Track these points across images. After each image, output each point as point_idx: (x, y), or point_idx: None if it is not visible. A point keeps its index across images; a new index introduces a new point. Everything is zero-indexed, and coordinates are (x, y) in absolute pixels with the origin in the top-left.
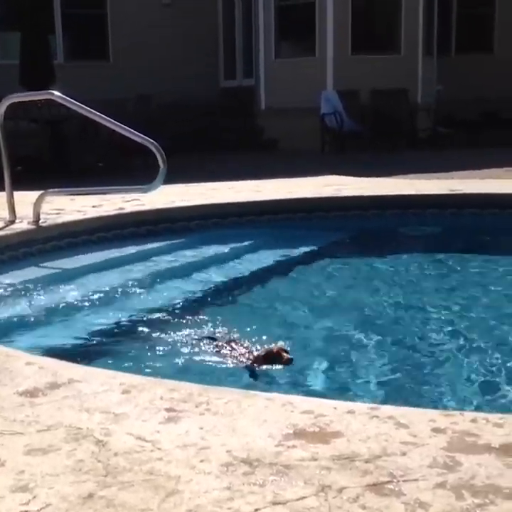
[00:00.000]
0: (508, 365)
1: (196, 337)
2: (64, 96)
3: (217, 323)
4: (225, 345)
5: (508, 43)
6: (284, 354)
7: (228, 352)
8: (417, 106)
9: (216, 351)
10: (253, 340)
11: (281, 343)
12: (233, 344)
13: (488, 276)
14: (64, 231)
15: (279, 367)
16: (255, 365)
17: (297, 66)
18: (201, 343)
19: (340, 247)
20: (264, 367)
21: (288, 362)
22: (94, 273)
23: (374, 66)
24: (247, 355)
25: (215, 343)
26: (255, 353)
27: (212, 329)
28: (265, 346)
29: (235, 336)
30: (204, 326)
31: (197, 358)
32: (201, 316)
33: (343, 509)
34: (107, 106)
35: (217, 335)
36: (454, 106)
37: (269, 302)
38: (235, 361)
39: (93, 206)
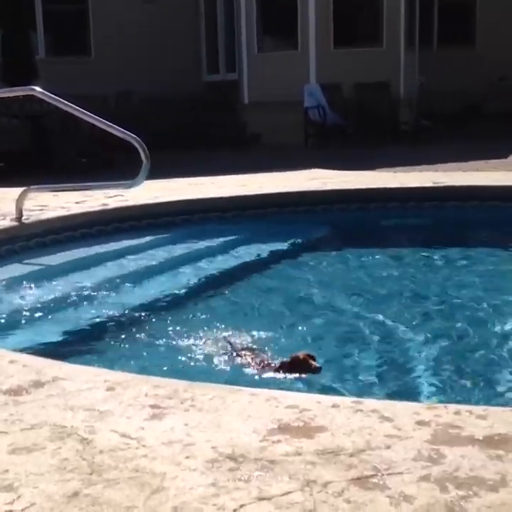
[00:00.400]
0: (490, 356)
1: (199, 339)
2: (45, 92)
3: (202, 318)
4: (242, 351)
5: (489, 35)
6: (312, 362)
7: (246, 358)
8: (400, 99)
9: (232, 356)
10: (262, 345)
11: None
12: (249, 351)
13: (471, 268)
14: (47, 227)
15: (304, 376)
16: (280, 372)
17: (280, 60)
18: (209, 346)
19: (325, 241)
20: (290, 375)
21: (316, 370)
22: (78, 270)
23: (356, 59)
24: (265, 362)
25: (229, 348)
26: (280, 361)
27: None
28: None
29: (248, 340)
30: (188, 322)
31: (198, 360)
32: (187, 312)
33: (328, 503)
34: (90, 101)
35: (232, 339)
36: (436, 99)
37: (255, 297)
38: (255, 368)
39: (76, 202)
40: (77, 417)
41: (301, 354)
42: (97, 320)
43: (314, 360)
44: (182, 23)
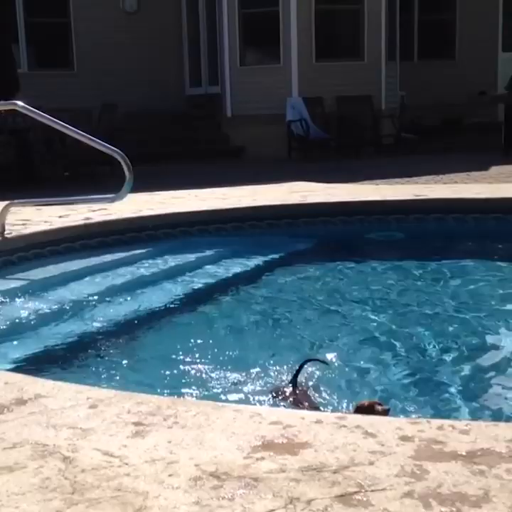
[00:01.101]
0: (472, 370)
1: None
2: (27, 106)
3: (185, 332)
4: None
5: (469, 49)
6: (378, 406)
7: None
8: (381, 112)
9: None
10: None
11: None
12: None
13: (453, 280)
14: (30, 242)
15: None
16: None
17: (262, 74)
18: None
19: (307, 254)
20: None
21: (384, 413)
22: (61, 284)
23: (338, 73)
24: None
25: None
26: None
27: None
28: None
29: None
30: (171, 337)
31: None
32: (170, 327)
33: None
34: (73, 115)
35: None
36: (417, 112)
37: (236, 311)
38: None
39: (60, 216)
40: (60, 435)
41: (366, 402)
42: (80, 335)
43: (381, 404)
44: (164, 36)
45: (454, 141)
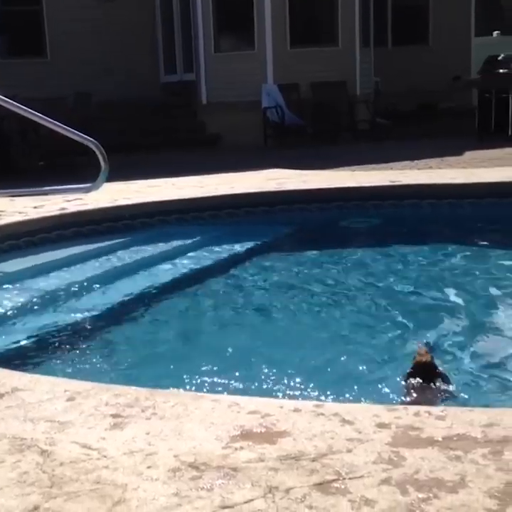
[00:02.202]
0: (451, 354)
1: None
2: (0, 96)
3: (162, 322)
4: None
5: (443, 34)
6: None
7: None
8: (356, 98)
9: None
10: None
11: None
12: None
13: (429, 265)
14: (5, 233)
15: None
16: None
17: (237, 60)
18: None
19: (284, 241)
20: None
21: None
22: (36, 276)
23: (313, 59)
24: None
25: None
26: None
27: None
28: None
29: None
30: (148, 327)
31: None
32: (147, 316)
33: (290, 510)
34: (46, 104)
35: None
36: (391, 97)
37: (213, 300)
38: None
39: (34, 207)
40: (37, 428)
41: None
42: (57, 328)
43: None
44: (139, 23)
45: (428, 127)
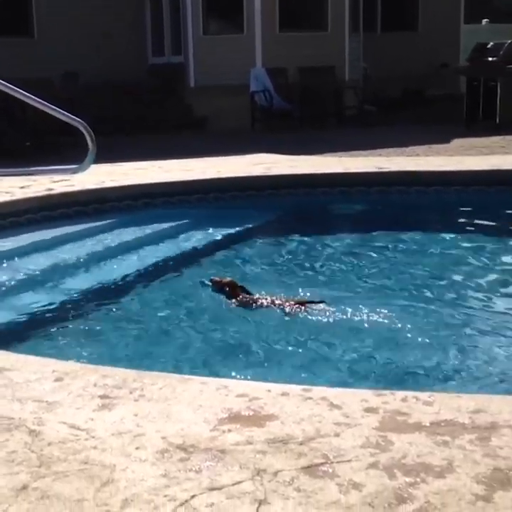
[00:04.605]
0: (438, 341)
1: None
2: None
3: (149, 304)
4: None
5: (432, 21)
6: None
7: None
8: (345, 83)
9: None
10: None
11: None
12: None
13: (416, 252)
14: None
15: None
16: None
17: (226, 43)
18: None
19: (270, 226)
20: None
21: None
22: (23, 256)
23: (301, 43)
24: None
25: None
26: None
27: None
28: None
29: None
30: (135, 308)
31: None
32: (132, 298)
33: (278, 492)
34: (33, 84)
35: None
36: (379, 83)
37: (198, 282)
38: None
39: (21, 187)
40: (25, 408)
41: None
42: (44, 308)
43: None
44: (127, 4)
45: (416, 114)
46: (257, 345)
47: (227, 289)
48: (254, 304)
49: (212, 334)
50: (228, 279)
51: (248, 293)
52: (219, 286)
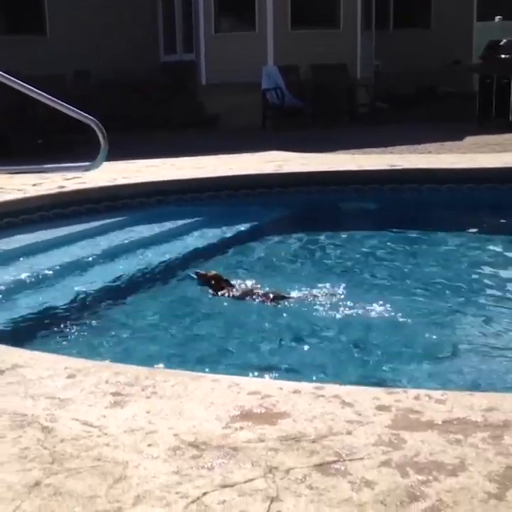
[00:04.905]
0: (450, 340)
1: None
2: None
3: (162, 301)
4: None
5: (444, 18)
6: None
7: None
8: (356, 81)
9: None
10: None
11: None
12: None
13: (427, 250)
14: (4, 210)
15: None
16: None
17: (237, 41)
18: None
19: (281, 224)
20: None
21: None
22: (35, 253)
23: (313, 41)
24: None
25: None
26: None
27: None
28: None
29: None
30: (147, 306)
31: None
32: (146, 296)
33: (290, 490)
34: (45, 82)
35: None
36: (392, 81)
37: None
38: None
39: (33, 185)
40: (38, 405)
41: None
42: (57, 305)
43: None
44: (139, 2)
45: (428, 111)
46: (242, 336)
47: (213, 282)
48: (238, 297)
49: (226, 330)
50: (213, 272)
51: (232, 286)
52: (204, 280)
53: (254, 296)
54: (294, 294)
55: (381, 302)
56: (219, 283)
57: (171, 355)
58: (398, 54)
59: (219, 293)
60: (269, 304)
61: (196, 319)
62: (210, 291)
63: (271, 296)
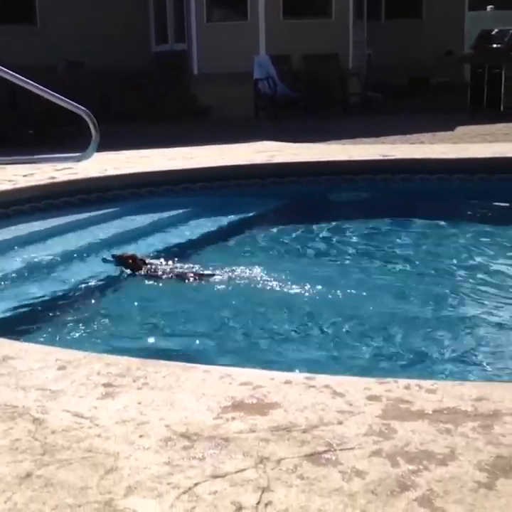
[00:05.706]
0: (440, 331)
1: None
2: None
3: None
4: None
5: (436, 8)
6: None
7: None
8: (348, 71)
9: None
10: None
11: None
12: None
13: (419, 239)
14: None
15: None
16: None
17: (229, 30)
18: None
19: (273, 214)
20: None
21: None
22: (26, 245)
23: (305, 30)
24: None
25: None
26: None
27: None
28: None
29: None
30: (138, 297)
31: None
32: (137, 287)
33: (281, 480)
34: (36, 72)
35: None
36: (383, 71)
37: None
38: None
39: (24, 175)
40: (29, 396)
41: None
42: (47, 297)
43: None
44: None
45: (420, 101)
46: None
47: (130, 261)
48: (157, 275)
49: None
50: (130, 253)
51: (150, 265)
52: (122, 260)
53: (172, 274)
54: (218, 272)
55: (375, 292)
56: (136, 263)
57: (162, 346)
58: (391, 44)
59: (137, 273)
60: (191, 281)
61: (186, 309)
62: (128, 271)
63: (191, 274)
